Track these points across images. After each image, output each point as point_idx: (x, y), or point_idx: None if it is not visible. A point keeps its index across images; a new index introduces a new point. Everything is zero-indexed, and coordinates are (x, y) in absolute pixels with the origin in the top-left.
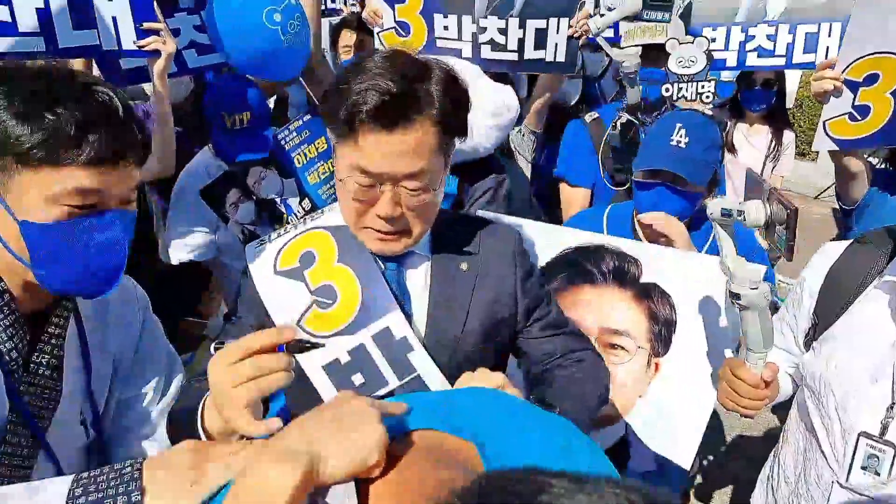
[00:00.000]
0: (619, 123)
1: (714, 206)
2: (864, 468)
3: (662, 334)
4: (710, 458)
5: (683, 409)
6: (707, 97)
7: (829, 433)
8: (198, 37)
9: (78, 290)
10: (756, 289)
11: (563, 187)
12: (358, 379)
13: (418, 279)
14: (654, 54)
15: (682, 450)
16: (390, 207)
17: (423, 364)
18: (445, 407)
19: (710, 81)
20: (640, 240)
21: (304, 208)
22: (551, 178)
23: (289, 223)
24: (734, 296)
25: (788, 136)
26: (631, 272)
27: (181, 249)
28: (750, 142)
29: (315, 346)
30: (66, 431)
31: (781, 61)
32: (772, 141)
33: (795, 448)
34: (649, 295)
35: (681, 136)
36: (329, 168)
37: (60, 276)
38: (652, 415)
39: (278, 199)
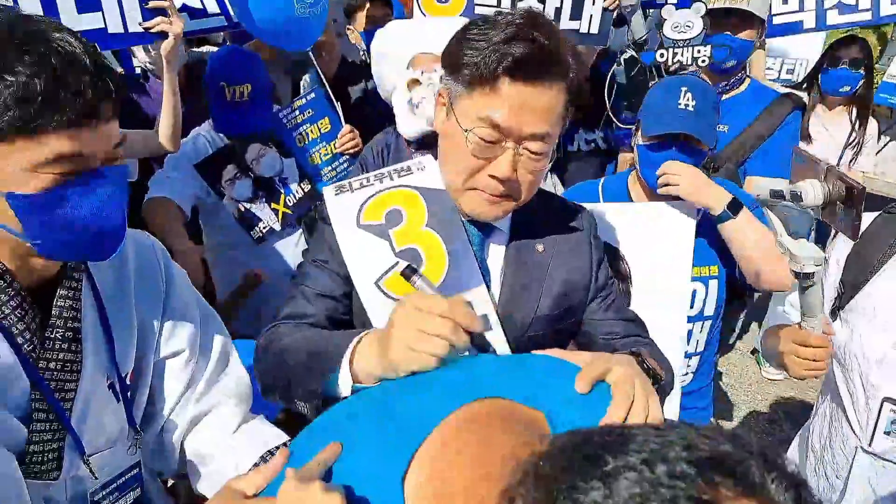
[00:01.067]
0: (623, 59)
1: (762, 187)
2: (886, 433)
3: (621, 290)
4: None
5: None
6: (703, 61)
7: (855, 400)
8: (190, 0)
9: (81, 255)
10: (820, 265)
11: None
12: None
13: (497, 257)
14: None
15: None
16: (509, 168)
17: (499, 345)
18: (516, 374)
19: (705, 46)
20: (633, 200)
21: (303, 189)
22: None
23: (369, 174)
24: (803, 276)
25: (873, 127)
26: None
27: (160, 190)
28: (828, 130)
29: (488, 347)
30: (94, 404)
31: (867, 16)
32: (853, 131)
33: (822, 418)
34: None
35: (688, 100)
36: (332, 150)
37: (59, 245)
38: None
39: (277, 178)
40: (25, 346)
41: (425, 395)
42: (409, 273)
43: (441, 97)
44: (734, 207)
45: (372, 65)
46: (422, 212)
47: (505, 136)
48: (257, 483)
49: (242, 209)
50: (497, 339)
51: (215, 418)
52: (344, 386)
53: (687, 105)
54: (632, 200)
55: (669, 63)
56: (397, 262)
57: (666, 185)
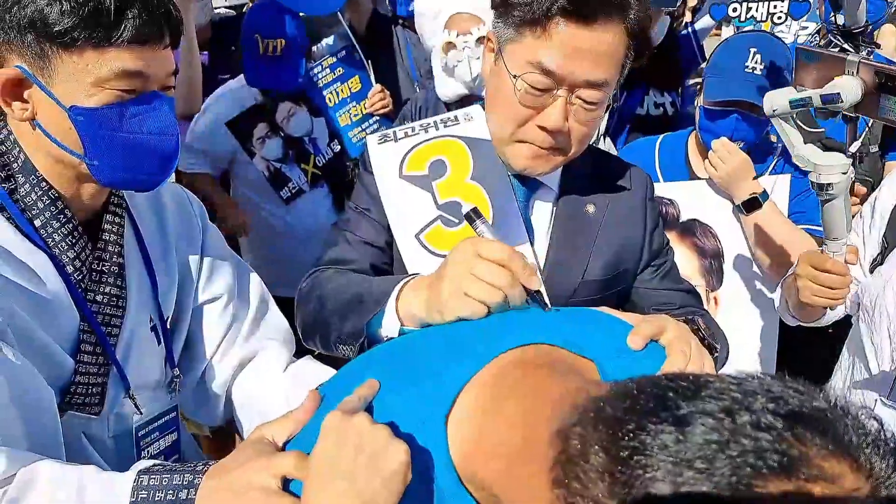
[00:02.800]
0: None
1: (778, 99)
2: None
3: (713, 267)
4: None
5: (752, 335)
6: (779, 18)
7: (878, 353)
8: None
9: (134, 180)
10: (846, 173)
11: None
12: None
13: (543, 215)
14: None
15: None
16: (560, 118)
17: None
18: (567, 323)
19: (782, 1)
20: (693, 170)
21: (332, 150)
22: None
23: (413, 124)
24: (823, 187)
25: None
26: (669, 213)
27: (194, 159)
28: None
29: (544, 305)
30: (137, 342)
31: None
32: None
33: (843, 373)
34: (692, 231)
35: (756, 62)
36: (361, 110)
37: (116, 165)
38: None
39: (306, 138)
40: (75, 275)
41: (470, 338)
42: (474, 216)
43: (489, 41)
44: (749, 206)
45: (415, 22)
46: (467, 163)
47: (557, 83)
48: (289, 429)
49: (272, 169)
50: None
51: (261, 362)
52: (388, 327)
53: (755, 68)
54: (688, 162)
55: (743, 18)
56: (439, 217)
57: (710, 166)
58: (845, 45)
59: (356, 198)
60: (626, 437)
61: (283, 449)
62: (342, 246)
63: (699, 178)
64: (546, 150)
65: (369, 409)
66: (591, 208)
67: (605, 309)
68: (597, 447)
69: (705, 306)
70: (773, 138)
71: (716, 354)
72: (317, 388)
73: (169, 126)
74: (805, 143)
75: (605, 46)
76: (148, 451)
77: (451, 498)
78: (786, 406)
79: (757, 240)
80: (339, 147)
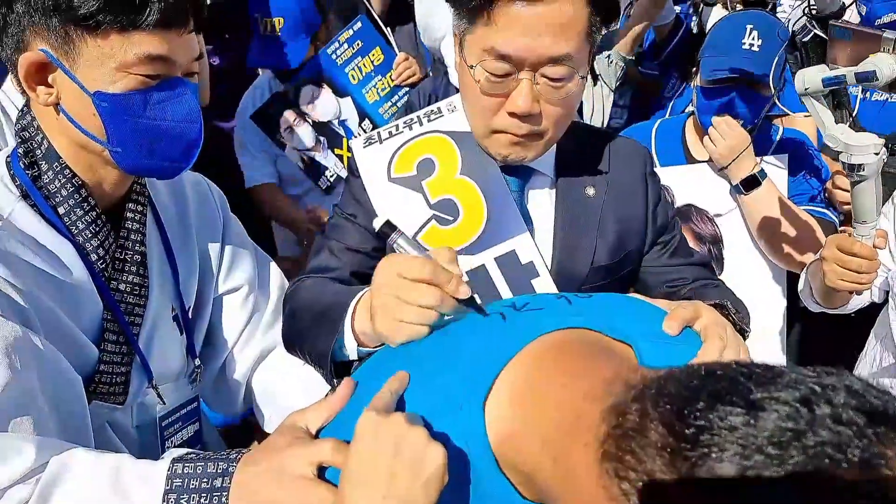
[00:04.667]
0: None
1: (811, 77)
2: None
3: (713, 253)
4: None
5: (757, 322)
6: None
7: None
8: None
9: (157, 167)
10: (878, 153)
11: None
12: None
13: (542, 203)
14: None
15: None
16: (528, 100)
17: (548, 292)
18: (599, 308)
19: None
20: (691, 154)
21: (364, 130)
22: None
23: (398, 121)
24: (854, 168)
25: None
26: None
27: (255, 171)
28: None
29: (480, 310)
30: (159, 332)
31: None
32: None
33: (869, 361)
34: (688, 217)
35: (753, 39)
36: (388, 83)
37: (139, 152)
38: None
39: (335, 121)
40: (98, 263)
41: (500, 323)
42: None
43: (455, 36)
44: (748, 184)
45: (416, 9)
46: (454, 158)
47: (515, 66)
48: (322, 417)
49: (306, 159)
50: (545, 287)
51: (281, 353)
52: (350, 348)
53: (752, 45)
54: (686, 147)
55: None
56: (433, 216)
57: (710, 142)
58: (817, 31)
59: (343, 203)
60: (693, 416)
61: (317, 436)
62: (324, 254)
63: (697, 162)
64: (523, 136)
65: (402, 400)
66: (590, 190)
67: (635, 295)
68: (657, 423)
69: None
70: (779, 121)
71: (746, 335)
72: (350, 375)
73: (193, 113)
74: (836, 123)
75: (560, 18)
76: (171, 442)
77: (489, 482)
78: (868, 404)
79: (757, 220)
80: (371, 127)
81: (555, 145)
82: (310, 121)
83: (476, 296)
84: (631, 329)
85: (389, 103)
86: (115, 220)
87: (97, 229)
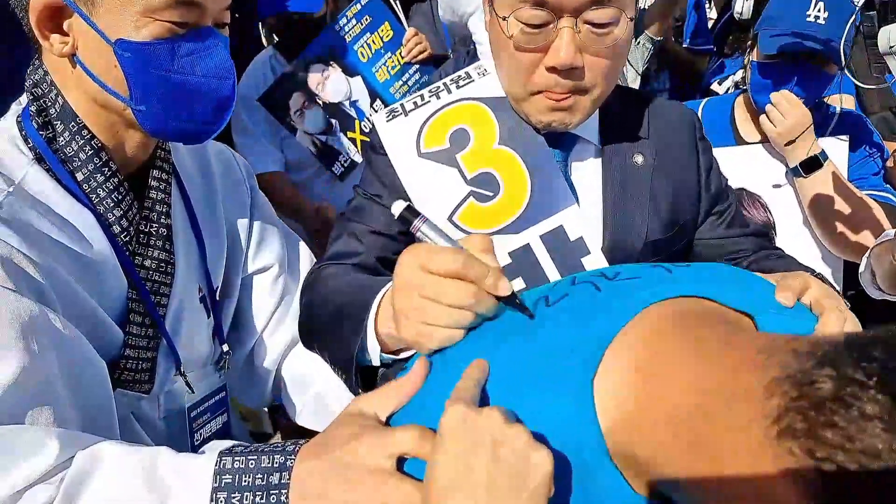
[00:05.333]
0: None
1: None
2: None
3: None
4: None
5: None
6: None
7: None
8: None
9: (185, 129)
10: None
11: None
12: (518, 284)
13: (587, 174)
14: None
15: None
16: (570, 51)
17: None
18: (707, 278)
19: None
20: (740, 135)
21: (376, 111)
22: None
23: (423, 91)
24: None
25: None
26: None
27: (260, 157)
28: None
29: (524, 309)
30: (186, 314)
31: None
32: None
33: None
34: (739, 203)
35: (819, 10)
36: (398, 60)
37: (165, 111)
38: None
39: (346, 103)
40: (122, 236)
41: (594, 294)
42: (409, 216)
43: None
44: (808, 166)
45: None
46: (491, 127)
47: (554, 12)
48: (392, 403)
49: (318, 143)
50: (597, 265)
51: None
52: (373, 355)
53: (818, 17)
54: (735, 127)
55: None
56: (470, 193)
57: (768, 121)
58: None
59: (365, 183)
60: None
61: (387, 424)
62: (346, 238)
63: (747, 143)
64: (566, 95)
65: (486, 390)
66: (639, 158)
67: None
68: (873, 391)
69: None
70: (833, 100)
71: None
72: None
73: (225, 68)
74: None
75: None
76: (199, 435)
77: (599, 475)
78: None
79: (815, 206)
80: (383, 107)
81: (597, 111)
82: (320, 102)
83: (516, 293)
84: (745, 299)
85: (400, 82)
86: (138, 189)
87: (119, 198)
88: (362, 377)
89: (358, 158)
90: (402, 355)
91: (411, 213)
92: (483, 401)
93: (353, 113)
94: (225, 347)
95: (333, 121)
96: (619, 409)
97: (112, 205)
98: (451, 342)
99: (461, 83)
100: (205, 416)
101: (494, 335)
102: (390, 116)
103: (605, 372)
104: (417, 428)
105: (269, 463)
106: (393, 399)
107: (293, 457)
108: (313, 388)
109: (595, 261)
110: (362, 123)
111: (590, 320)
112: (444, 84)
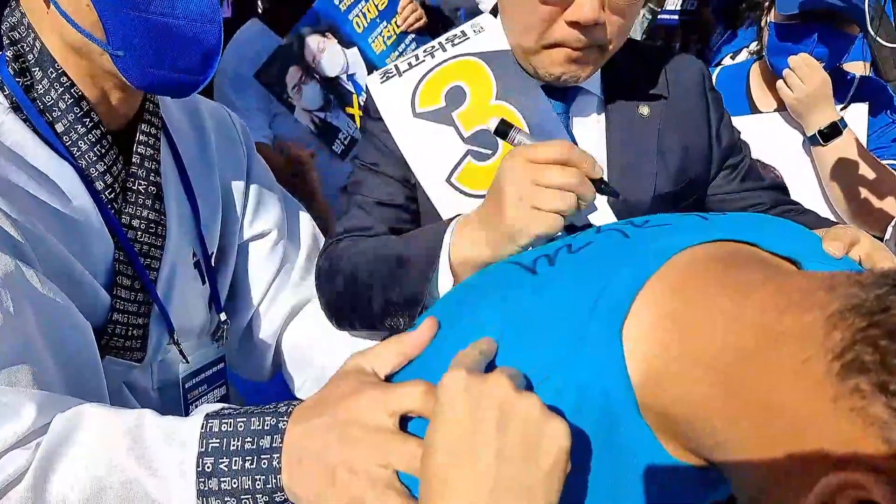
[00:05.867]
0: None
1: None
2: None
3: None
4: None
5: None
6: None
7: None
8: None
9: (168, 79)
10: None
11: None
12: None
13: (590, 128)
14: None
15: None
16: (595, 7)
17: None
18: (747, 225)
19: None
20: (755, 104)
21: None
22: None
23: (417, 51)
24: None
25: None
26: None
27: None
28: None
29: (613, 192)
30: (179, 280)
31: None
32: None
33: None
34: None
35: None
36: (394, 30)
37: (145, 57)
38: None
39: (344, 76)
40: (106, 193)
41: (621, 241)
42: (505, 128)
43: None
44: (827, 134)
45: None
46: (488, 83)
47: None
48: (393, 360)
49: (317, 120)
50: (604, 221)
51: (315, 309)
52: (444, 286)
53: None
54: (750, 95)
55: None
56: (468, 151)
57: (786, 87)
58: None
59: (362, 152)
60: None
61: (387, 381)
62: (354, 212)
63: (762, 113)
64: (582, 49)
65: (491, 363)
66: (644, 110)
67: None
68: None
69: None
70: (852, 66)
71: None
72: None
73: (210, 10)
74: None
75: None
76: (196, 406)
77: (627, 431)
78: None
79: (833, 175)
80: None
81: None
82: (317, 77)
83: (592, 216)
84: (789, 246)
85: (396, 52)
86: (124, 145)
87: (102, 151)
88: None
89: (358, 135)
90: None
91: (506, 125)
92: (493, 360)
93: (350, 87)
94: (222, 316)
95: (331, 96)
96: (651, 359)
97: (94, 158)
98: (554, 230)
99: (456, 41)
100: (201, 388)
101: (508, 286)
102: (384, 78)
103: (634, 320)
104: (422, 383)
105: (259, 425)
106: (394, 356)
107: (286, 418)
108: (315, 362)
109: (602, 217)
110: (360, 98)
111: (618, 267)
112: (439, 43)
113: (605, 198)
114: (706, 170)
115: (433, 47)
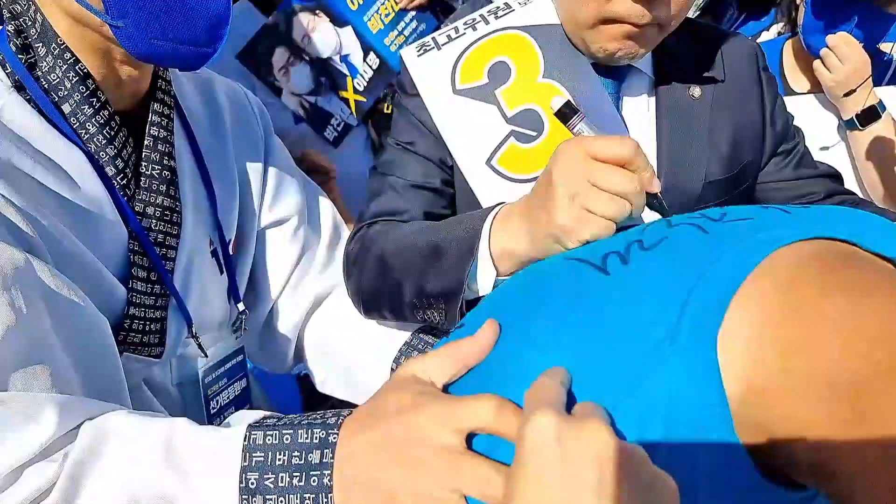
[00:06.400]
0: None
1: None
2: None
3: None
4: None
5: None
6: None
7: None
8: None
9: (173, 52)
10: None
11: None
12: None
13: (639, 108)
14: None
15: None
16: None
17: (657, 216)
18: (835, 220)
19: None
20: (788, 84)
21: (370, 66)
22: None
23: (456, 23)
24: None
25: None
26: None
27: None
28: None
29: (665, 212)
30: (196, 269)
31: None
32: None
33: None
34: None
35: None
36: (392, 7)
37: (146, 27)
38: None
39: (336, 58)
40: (117, 178)
41: (699, 237)
42: (568, 111)
43: None
44: (865, 118)
45: None
46: (535, 59)
47: None
48: (451, 369)
49: (307, 105)
50: (655, 214)
51: (339, 298)
52: (483, 279)
53: None
54: (783, 75)
55: None
56: (511, 132)
57: (823, 67)
58: None
59: (396, 131)
60: None
61: (445, 391)
62: (388, 194)
63: (795, 94)
64: (642, 27)
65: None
66: (696, 91)
67: None
68: None
69: None
70: (887, 47)
71: None
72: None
73: None
74: None
75: None
76: (216, 402)
77: (721, 448)
78: None
79: (870, 160)
80: (377, 62)
81: None
82: (307, 58)
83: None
84: (885, 244)
85: (395, 31)
86: (135, 127)
87: (111, 134)
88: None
89: (352, 121)
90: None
91: (570, 109)
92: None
93: (344, 69)
94: (241, 307)
95: (323, 79)
96: (751, 372)
97: (104, 142)
98: (604, 236)
99: (500, 13)
100: (221, 382)
101: (578, 288)
102: (421, 51)
103: (731, 327)
104: (493, 398)
105: (307, 438)
106: (453, 363)
107: (336, 430)
108: (339, 357)
109: (647, 213)
110: (355, 81)
111: (705, 266)
112: (481, 15)
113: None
114: (759, 155)
115: (474, 20)
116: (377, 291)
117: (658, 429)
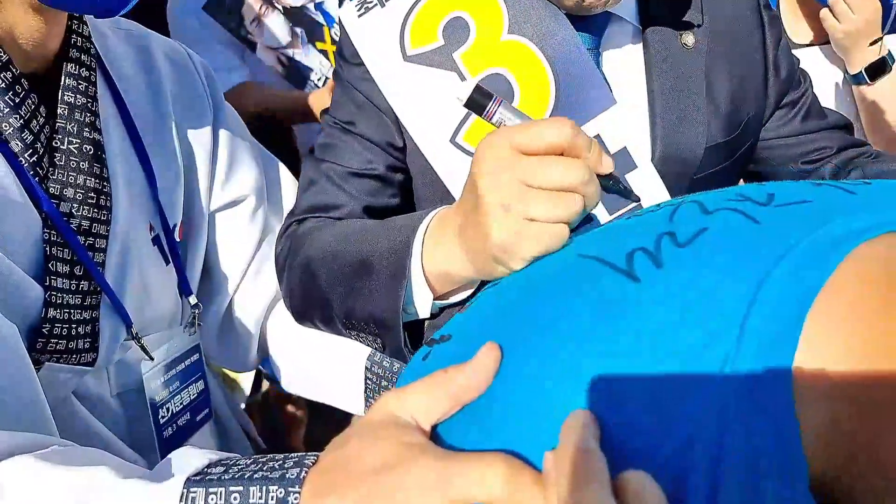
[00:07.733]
0: None
1: None
2: None
3: None
4: None
5: None
6: None
7: None
8: None
9: None
10: None
11: None
12: None
13: (625, 64)
14: None
15: None
16: None
17: (652, 188)
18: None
19: None
20: (788, 35)
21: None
22: None
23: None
24: None
25: None
26: None
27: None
28: None
29: (628, 194)
30: (134, 260)
31: None
32: None
33: None
34: None
35: None
36: None
37: None
38: None
39: (311, 6)
40: (25, 155)
41: (749, 227)
42: (481, 99)
43: None
44: (874, 72)
45: None
46: (497, 12)
47: None
48: (441, 407)
49: (284, 59)
50: (651, 184)
51: None
52: (422, 305)
53: None
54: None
55: None
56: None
57: (832, 17)
58: None
59: (335, 107)
60: None
61: (433, 433)
62: (322, 185)
63: (797, 47)
64: None
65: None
66: (689, 39)
67: None
68: None
69: None
70: None
71: None
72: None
73: None
74: None
75: None
76: (168, 409)
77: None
78: None
79: (877, 116)
80: (357, 6)
81: None
82: (279, 7)
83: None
84: None
85: None
86: (47, 93)
87: (16, 100)
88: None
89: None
90: (453, 299)
91: (483, 95)
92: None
93: (320, 18)
94: (193, 300)
95: (298, 29)
96: (841, 412)
97: (7, 110)
98: (558, 246)
99: None
100: (172, 387)
101: (601, 299)
102: (362, 9)
103: (810, 348)
104: (503, 461)
105: (260, 497)
106: (443, 400)
107: (297, 489)
108: (302, 359)
109: (644, 176)
110: (332, 31)
111: (767, 268)
112: None
113: (647, 155)
114: (761, 107)
115: None
116: (306, 302)
117: (703, 490)
